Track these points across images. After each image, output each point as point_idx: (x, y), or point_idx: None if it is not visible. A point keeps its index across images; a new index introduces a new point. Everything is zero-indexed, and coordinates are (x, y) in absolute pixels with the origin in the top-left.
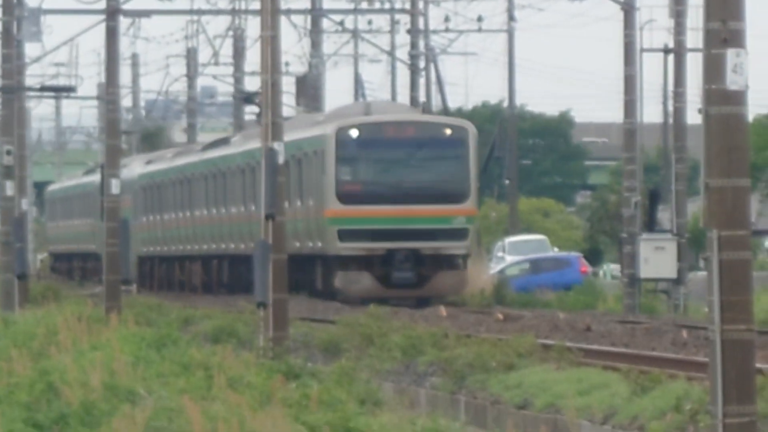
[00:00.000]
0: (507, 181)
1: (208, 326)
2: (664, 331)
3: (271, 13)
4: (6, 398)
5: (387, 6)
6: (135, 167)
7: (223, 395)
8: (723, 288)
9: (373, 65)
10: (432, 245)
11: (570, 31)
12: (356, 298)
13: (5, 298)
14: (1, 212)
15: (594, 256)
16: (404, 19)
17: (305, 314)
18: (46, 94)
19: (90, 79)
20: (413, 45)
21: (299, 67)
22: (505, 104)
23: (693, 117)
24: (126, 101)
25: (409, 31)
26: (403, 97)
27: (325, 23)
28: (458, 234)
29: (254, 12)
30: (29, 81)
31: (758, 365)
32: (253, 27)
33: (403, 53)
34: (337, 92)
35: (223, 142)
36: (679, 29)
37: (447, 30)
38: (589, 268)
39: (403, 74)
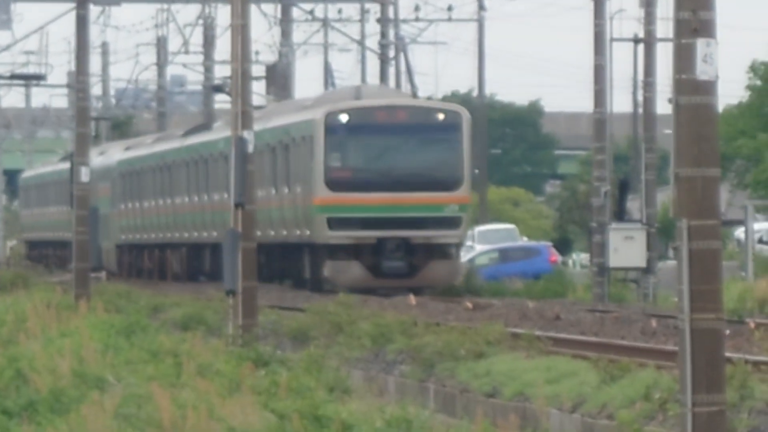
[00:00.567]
0: (476, 171)
1: (178, 314)
2: (633, 320)
3: (241, 2)
4: None
5: None
6: (113, 154)
7: (192, 382)
8: (692, 277)
9: (343, 54)
10: (424, 234)
11: (540, 20)
12: (345, 287)
13: None
14: None
15: (563, 246)
16: (374, 9)
17: (274, 302)
18: (15, 81)
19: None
20: (383, 34)
21: (269, 56)
22: (475, 93)
23: (663, 107)
24: (96, 89)
25: (379, 21)
26: None
27: (295, 12)
28: (451, 222)
29: (224, 0)
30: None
31: (727, 354)
32: (223, 16)
33: (373, 42)
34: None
35: (204, 128)
36: (649, 19)
37: (417, 19)
38: (558, 258)
39: (373, 63)
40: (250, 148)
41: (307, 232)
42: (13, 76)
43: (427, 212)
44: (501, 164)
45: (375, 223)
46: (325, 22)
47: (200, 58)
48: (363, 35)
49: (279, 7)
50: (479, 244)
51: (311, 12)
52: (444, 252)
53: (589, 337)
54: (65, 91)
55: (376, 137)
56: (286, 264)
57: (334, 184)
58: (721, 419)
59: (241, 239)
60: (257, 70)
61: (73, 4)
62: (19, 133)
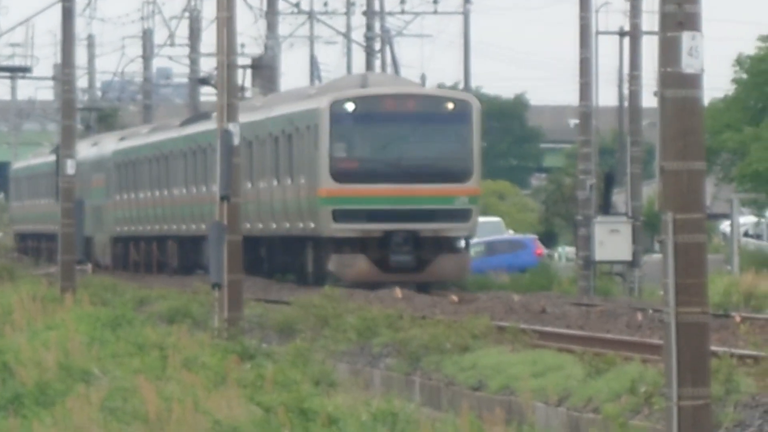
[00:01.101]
0: None
1: (163, 306)
2: (618, 313)
3: None
4: None
5: None
6: (108, 144)
7: (178, 375)
8: (678, 271)
9: (328, 47)
10: (432, 227)
11: (526, 13)
12: (351, 282)
13: None
14: None
15: (549, 239)
16: (360, 1)
17: (260, 295)
18: (1, 74)
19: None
20: (369, 27)
21: (255, 49)
22: (461, 87)
23: (648, 100)
24: (82, 82)
25: (364, 13)
26: None
27: (281, 5)
28: (460, 215)
29: None
30: None
31: (713, 348)
32: (209, 8)
33: (358, 35)
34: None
35: (204, 116)
36: (634, 12)
37: (403, 12)
38: (544, 251)
39: (359, 56)
40: (236, 141)
41: (311, 225)
42: (0, 68)
43: (436, 204)
44: (486, 157)
45: (382, 215)
46: (311, 15)
47: (186, 50)
48: (349, 28)
49: (264, 1)
50: None
51: (297, 5)
52: (453, 246)
53: (574, 331)
54: (51, 83)
55: (384, 126)
56: (288, 258)
57: (339, 175)
58: (706, 413)
59: (226, 232)
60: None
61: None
62: (5, 125)
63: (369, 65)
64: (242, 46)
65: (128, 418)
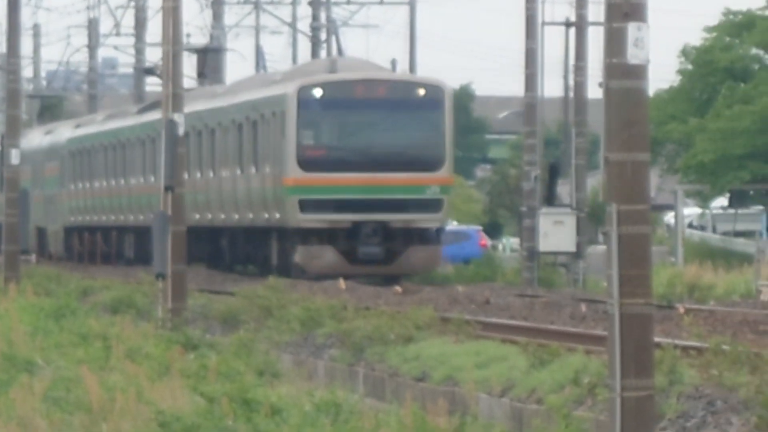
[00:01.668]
0: None
1: (107, 297)
2: (562, 304)
3: None
4: None
5: None
6: (63, 131)
7: (122, 366)
8: (622, 262)
9: (274, 37)
10: (403, 217)
11: (472, 3)
12: (317, 275)
13: None
14: None
15: (494, 230)
16: None
17: (204, 285)
18: None
19: None
20: (315, 17)
21: (201, 39)
22: None
23: (594, 91)
24: (27, 72)
25: (310, 3)
26: None
27: None
28: (432, 205)
29: None
30: None
31: (656, 339)
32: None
33: (304, 25)
34: (238, 65)
35: (161, 104)
36: (580, 3)
37: (348, 2)
38: (488, 242)
39: (305, 46)
40: (181, 131)
41: (277, 215)
42: None
43: (407, 194)
44: None
45: (350, 205)
46: (257, 5)
47: (132, 40)
48: (294, 18)
49: None
50: None
51: None
52: (424, 237)
53: (518, 322)
54: None
55: (353, 113)
56: (251, 249)
57: (306, 164)
58: (649, 404)
59: (170, 223)
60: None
61: None
62: None
63: (314, 55)
64: (188, 36)
65: (71, 408)
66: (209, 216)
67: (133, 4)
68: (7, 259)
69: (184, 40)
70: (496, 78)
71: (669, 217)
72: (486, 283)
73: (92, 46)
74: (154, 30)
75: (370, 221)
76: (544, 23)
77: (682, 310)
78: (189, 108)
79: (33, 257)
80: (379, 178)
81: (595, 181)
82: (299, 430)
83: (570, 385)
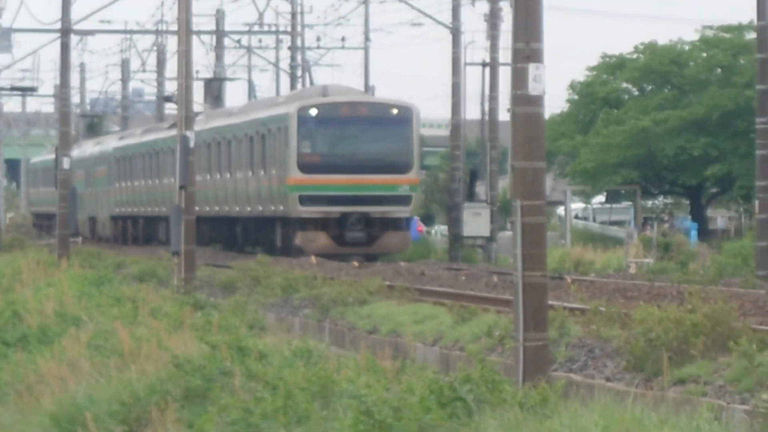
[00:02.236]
0: None
1: (136, 269)
2: (479, 276)
3: (185, 33)
4: None
5: (273, 28)
6: (110, 142)
7: (146, 321)
8: (524, 244)
9: (262, 73)
10: (380, 209)
11: (412, 48)
12: (314, 254)
13: None
14: None
15: (428, 220)
16: (286, 39)
17: (209, 261)
18: (14, 92)
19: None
20: (293, 58)
21: (206, 74)
22: None
23: (504, 115)
24: (75, 98)
25: (289, 48)
26: None
27: (226, 41)
28: (403, 200)
29: (173, 32)
30: (2, 83)
31: (550, 302)
32: (172, 43)
33: (285, 65)
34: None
35: None
36: (493, 48)
37: (318, 47)
38: (424, 229)
39: (285, 81)
40: (192, 144)
41: (281, 208)
42: (13, 88)
43: (383, 191)
44: None
45: (339, 200)
46: (249, 49)
47: (154, 75)
48: (277, 59)
49: (214, 37)
50: None
51: (238, 41)
52: (397, 224)
53: (446, 289)
54: (52, 99)
55: (341, 128)
56: (260, 234)
57: (305, 167)
58: (545, 351)
59: (183, 213)
60: (197, 84)
61: (58, 34)
62: (17, 131)
63: (293, 88)
64: (197, 72)
65: (108, 353)
66: (226, 208)
67: (155, 48)
68: (60, 240)
69: (194, 74)
70: (432, 104)
71: (560, 210)
72: (422, 260)
73: (124, 80)
74: (171, 67)
75: (354, 212)
76: (466, 64)
77: (569, 281)
78: (212, 124)
79: (79, 239)
80: (362, 178)
81: (504, 183)
82: (280, 370)
83: (485, 337)
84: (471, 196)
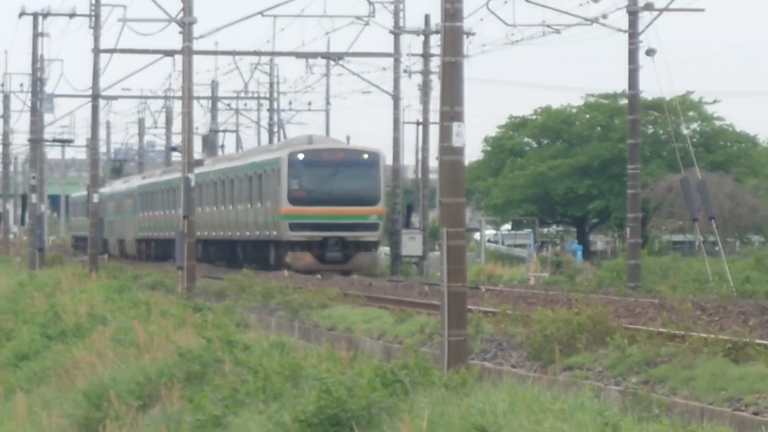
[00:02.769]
0: None
1: (149, 280)
2: (414, 286)
3: (188, 99)
4: (30, 320)
5: (256, 95)
6: (134, 181)
7: (157, 320)
8: (449, 261)
9: (248, 129)
10: (354, 234)
11: (362, 110)
12: (301, 270)
13: (31, 262)
14: (30, 212)
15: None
16: (265, 103)
17: (206, 274)
18: (55, 143)
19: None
20: (270, 118)
21: (204, 129)
22: None
23: (433, 162)
24: (102, 148)
25: (268, 110)
26: None
27: (219, 104)
28: (372, 227)
29: (178, 98)
30: (46, 135)
31: (469, 306)
32: (177, 106)
33: (264, 122)
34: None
35: (198, 164)
36: (425, 110)
37: (290, 109)
38: None
39: (265, 136)
40: (193, 184)
41: (274, 233)
42: (54, 140)
43: (356, 220)
44: None
45: (321, 226)
46: (237, 111)
47: (163, 130)
48: (259, 118)
49: (210, 102)
50: None
51: (229, 104)
52: (367, 247)
53: (389, 296)
54: (85, 149)
55: (323, 169)
56: (257, 254)
57: (294, 200)
58: (465, 344)
59: (186, 237)
60: (197, 138)
61: (89, 99)
62: (57, 173)
63: (270, 141)
64: (197, 128)
65: (128, 345)
66: (230, 233)
67: (164, 109)
68: (91, 257)
69: (194, 130)
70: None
71: (476, 236)
72: (370, 274)
73: (140, 134)
74: (177, 124)
75: (333, 236)
76: (404, 123)
77: (483, 290)
78: (218, 167)
79: (105, 257)
80: (339, 209)
81: (433, 214)
82: (260, 358)
83: (418, 333)
84: (408, 224)
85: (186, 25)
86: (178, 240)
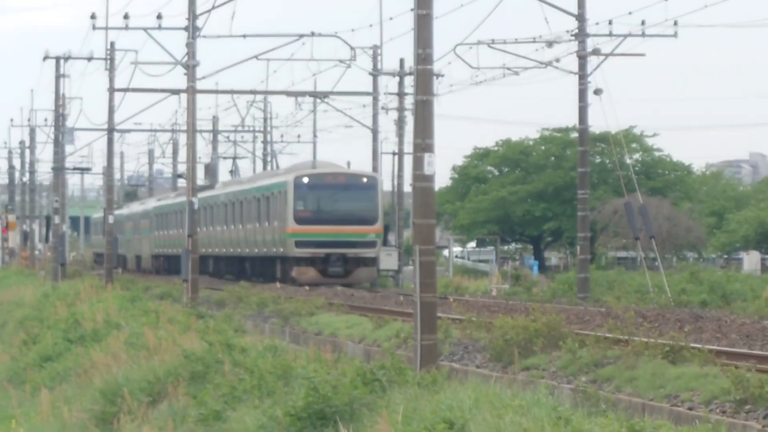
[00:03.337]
0: None
1: (158, 291)
2: (391, 296)
3: (192, 132)
4: (53, 326)
5: (251, 128)
6: (150, 203)
7: (165, 326)
8: (421, 275)
9: (244, 160)
10: (354, 251)
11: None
12: (305, 284)
13: (54, 275)
14: (53, 231)
15: None
16: (260, 135)
17: (208, 285)
18: (75, 171)
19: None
20: (265, 148)
21: (206, 159)
22: None
23: (407, 188)
24: (117, 176)
25: (262, 142)
26: None
27: (219, 137)
28: (370, 244)
29: (183, 131)
30: (67, 164)
31: (439, 314)
32: (182, 138)
33: (259, 153)
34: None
35: (209, 187)
36: (400, 142)
37: (282, 141)
38: None
39: (259, 164)
40: (196, 207)
41: (281, 249)
42: (74, 168)
43: (356, 238)
44: None
45: (324, 244)
46: (234, 142)
47: (170, 160)
48: (254, 149)
49: (211, 134)
50: None
51: (228, 137)
52: (366, 262)
53: (368, 305)
54: (101, 176)
55: (326, 191)
56: (264, 269)
57: (299, 220)
58: (435, 348)
59: (191, 253)
60: (200, 167)
61: (105, 132)
62: (77, 197)
63: (265, 168)
64: (200, 158)
65: (139, 347)
66: (239, 250)
67: (171, 141)
68: (107, 271)
69: (197, 159)
70: None
71: (445, 252)
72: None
73: (150, 163)
74: (182, 154)
75: (335, 253)
76: (381, 153)
77: (451, 300)
78: (228, 190)
79: (120, 270)
80: (341, 228)
81: (408, 233)
82: (255, 360)
83: (394, 337)
84: (385, 242)
85: (190, 67)
86: (184, 256)
